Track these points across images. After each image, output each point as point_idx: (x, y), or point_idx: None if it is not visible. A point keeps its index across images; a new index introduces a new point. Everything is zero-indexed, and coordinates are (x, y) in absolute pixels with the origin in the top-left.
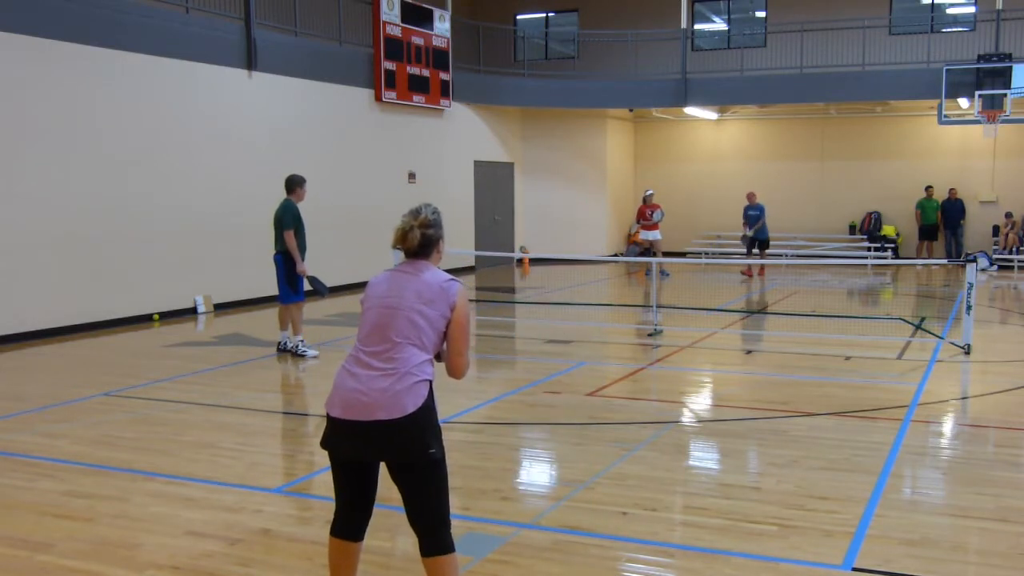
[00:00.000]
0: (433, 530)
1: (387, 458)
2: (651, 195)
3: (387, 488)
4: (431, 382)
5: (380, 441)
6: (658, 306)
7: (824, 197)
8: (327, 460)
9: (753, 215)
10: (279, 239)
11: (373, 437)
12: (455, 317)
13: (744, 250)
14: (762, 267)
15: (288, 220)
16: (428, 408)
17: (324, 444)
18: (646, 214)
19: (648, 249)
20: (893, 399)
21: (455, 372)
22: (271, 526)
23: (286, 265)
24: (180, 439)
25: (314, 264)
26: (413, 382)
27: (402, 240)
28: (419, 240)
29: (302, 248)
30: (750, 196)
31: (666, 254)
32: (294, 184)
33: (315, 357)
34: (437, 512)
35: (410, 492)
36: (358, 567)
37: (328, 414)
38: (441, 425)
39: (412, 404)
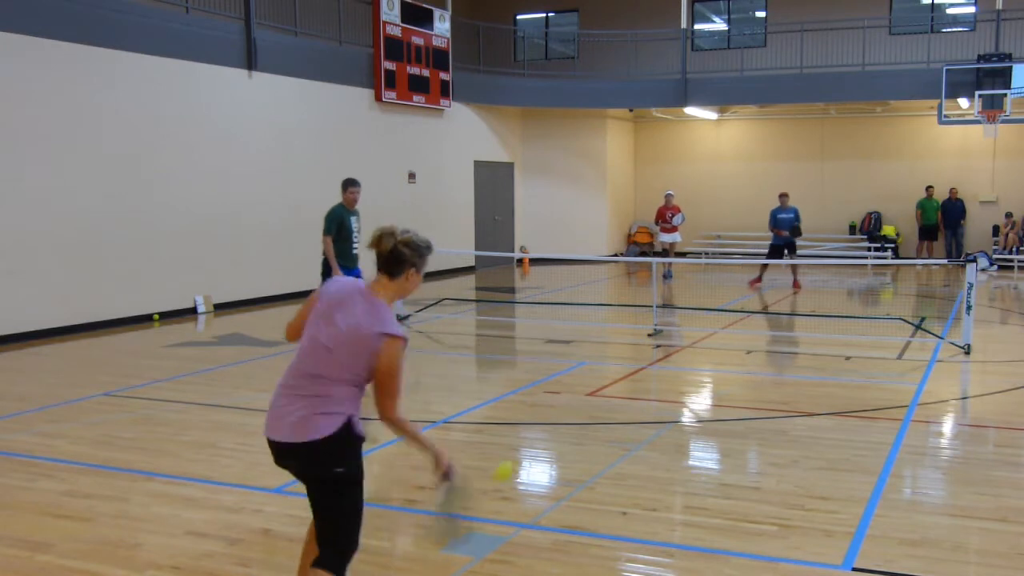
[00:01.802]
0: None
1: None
2: (672, 196)
3: (388, 487)
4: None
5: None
6: (659, 306)
7: (824, 197)
8: None
9: (786, 218)
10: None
11: None
12: (378, 367)
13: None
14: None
15: (327, 225)
16: (336, 436)
17: None
18: (666, 216)
19: (648, 250)
20: (893, 399)
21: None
22: (271, 526)
23: (324, 269)
24: (180, 439)
25: (319, 264)
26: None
27: (376, 243)
28: (390, 249)
29: (344, 254)
30: (783, 198)
31: (666, 254)
32: (343, 187)
33: None
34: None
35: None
36: None
37: None
38: (351, 452)
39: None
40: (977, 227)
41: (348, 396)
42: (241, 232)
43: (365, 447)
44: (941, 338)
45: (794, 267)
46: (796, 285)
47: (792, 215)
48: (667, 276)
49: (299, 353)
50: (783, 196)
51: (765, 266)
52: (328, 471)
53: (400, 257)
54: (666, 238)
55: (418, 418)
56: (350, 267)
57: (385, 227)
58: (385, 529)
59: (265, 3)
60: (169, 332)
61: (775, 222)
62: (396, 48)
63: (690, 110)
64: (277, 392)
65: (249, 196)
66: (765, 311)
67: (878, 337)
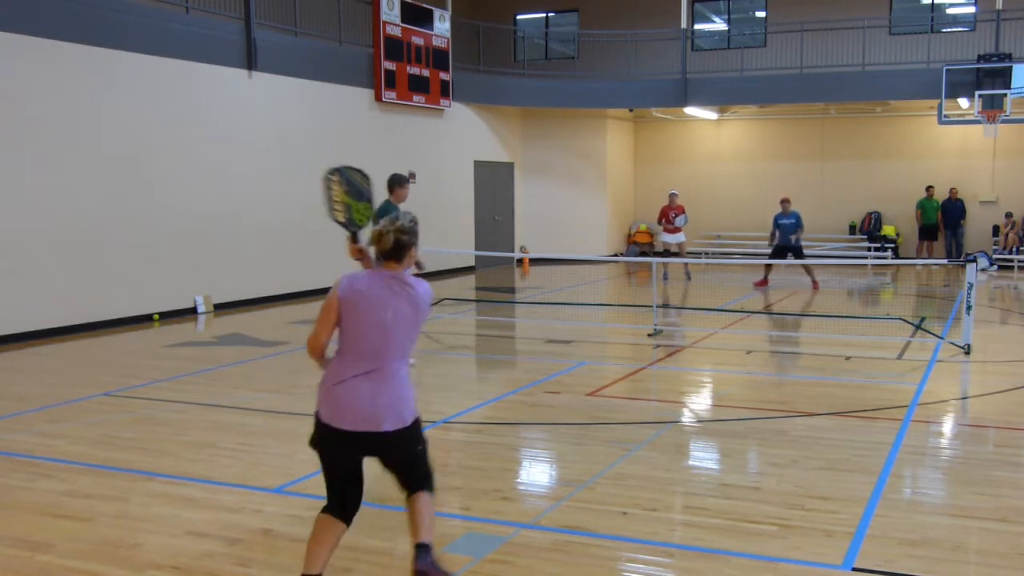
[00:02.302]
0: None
1: None
2: (676, 195)
3: (389, 488)
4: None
5: None
6: (659, 306)
7: (824, 197)
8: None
9: (788, 224)
10: None
11: None
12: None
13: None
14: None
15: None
16: (417, 419)
17: None
18: (669, 216)
19: (648, 250)
20: (893, 399)
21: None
22: (271, 526)
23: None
24: (180, 439)
25: (319, 264)
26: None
27: (377, 241)
28: (392, 243)
29: None
30: (784, 203)
31: (667, 254)
32: (390, 184)
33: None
34: None
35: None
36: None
37: None
38: (423, 428)
39: None
40: (977, 227)
41: (407, 372)
42: (241, 232)
43: None
44: (941, 338)
45: (808, 268)
46: (815, 286)
47: (793, 220)
48: (666, 277)
49: (359, 345)
50: (784, 202)
51: (769, 266)
52: (414, 450)
53: (401, 244)
54: (669, 239)
55: None
56: None
57: (379, 227)
58: (385, 529)
59: (265, 3)
60: (169, 332)
61: (776, 228)
62: (396, 48)
63: (690, 110)
64: (344, 383)
65: (249, 196)
66: (765, 311)
67: (878, 337)
